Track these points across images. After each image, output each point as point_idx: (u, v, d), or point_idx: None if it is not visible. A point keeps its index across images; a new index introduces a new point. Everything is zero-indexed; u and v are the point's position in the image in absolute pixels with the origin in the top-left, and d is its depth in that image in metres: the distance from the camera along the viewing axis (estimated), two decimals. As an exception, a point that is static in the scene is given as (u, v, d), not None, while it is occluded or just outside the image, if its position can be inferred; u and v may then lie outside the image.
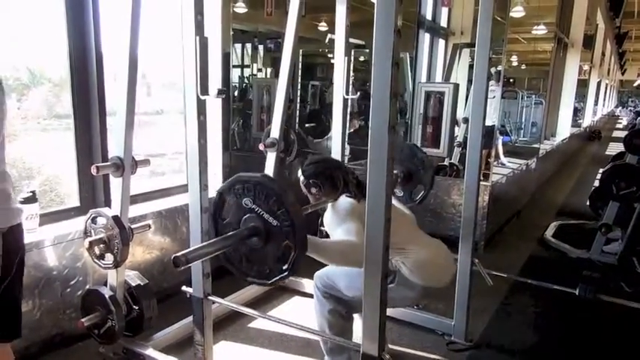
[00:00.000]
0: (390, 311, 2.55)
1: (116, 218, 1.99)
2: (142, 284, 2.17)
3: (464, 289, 2.40)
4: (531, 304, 2.97)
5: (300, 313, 2.76)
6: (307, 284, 2.93)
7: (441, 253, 2.10)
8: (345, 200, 1.98)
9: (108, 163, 2.00)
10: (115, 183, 2.05)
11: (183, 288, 1.95)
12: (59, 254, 2.22)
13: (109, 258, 2.04)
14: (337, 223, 1.88)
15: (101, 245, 2.03)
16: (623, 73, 24.10)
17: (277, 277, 1.41)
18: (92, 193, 2.59)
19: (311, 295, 2.85)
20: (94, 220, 2.06)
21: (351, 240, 1.74)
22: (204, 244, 1.47)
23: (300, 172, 2.07)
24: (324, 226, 2.05)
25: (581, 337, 2.64)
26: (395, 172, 2.52)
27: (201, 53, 1.68)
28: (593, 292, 2.89)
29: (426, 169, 2.63)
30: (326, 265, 2.03)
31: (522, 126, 8.52)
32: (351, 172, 2.09)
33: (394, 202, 2.26)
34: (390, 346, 2.34)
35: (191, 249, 1.41)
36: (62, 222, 2.42)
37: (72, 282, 2.28)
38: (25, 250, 1.49)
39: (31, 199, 2.17)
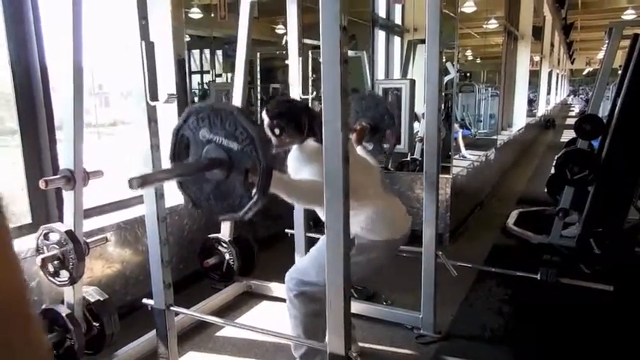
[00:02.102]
0: (358, 308, 2.58)
1: (69, 233, 1.92)
2: (101, 300, 2.09)
3: (429, 281, 2.43)
4: (496, 291, 3.03)
5: (270, 317, 2.73)
6: (275, 288, 2.90)
7: (393, 205, 2.08)
8: (311, 144, 1.91)
9: (57, 177, 1.93)
10: (67, 196, 1.97)
11: (144, 300, 1.89)
12: (11, 275, 2.11)
13: (65, 275, 1.96)
14: (303, 164, 1.82)
15: (55, 262, 1.95)
16: (572, 63, 25.10)
17: (248, 205, 1.32)
18: (45, 209, 2.49)
19: (279, 299, 2.84)
20: (46, 237, 1.97)
21: (319, 181, 1.59)
22: (162, 169, 1.41)
23: (264, 113, 1.96)
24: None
25: (544, 320, 2.71)
26: (363, 124, 2.44)
27: (148, 58, 1.63)
28: (553, 275, 2.97)
29: (391, 115, 2.54)
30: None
31: (481, 118, 8.74)
32: (318, 116, 2.02)
33: (364, 154, 2.26)
34: (360, 343, 2.34)
35: (149, 172, 1.35)
36: (13, 241, 2.31)
37: (26, 303, 2.17)
38: None
39: (-24, 218, 2.06)
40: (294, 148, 1.95)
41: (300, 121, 1.93)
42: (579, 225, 3.70)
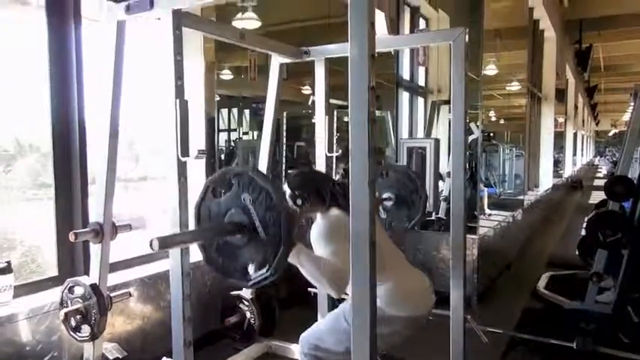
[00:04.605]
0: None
1: (94, 287, 1.92)
2: (120, 357, 2.06)
3: (458, 348, 2.31)
4: (529, 360, 2.87)
5: (290, 380, 2.62)
6: (297, 350, 2.79)
7: (415, 278, 2.03)
8: (333, 214, 1.91)
9: (87, 229, 1.96)
10: (94, 250, 1.99)
11: (164, 359, 1.85)
12: (33, 328, 2.12)
13: (86, 330, 1.94)
14: (323, 241, 1.80)
15: (78, 316, 1.94)
16: (597, 124, 25.04)
17: (258, 279, 1.36)
18: (71, 262, 2.52)
19: (300, 361, 2.74)
20: (70, 290, 1.98)
21: (337, 266, 1.67)
22: (184, 231, 1.41)
23: (285, 184, 2.00)
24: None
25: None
26: (387, 195, 2.52)
27: (182, 116, 1.70)
28: (591, 344, 2.81)
29: (419, 198, 2.60)
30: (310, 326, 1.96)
31: (506, 178, 8.67)
32: (338, 184, 2.04)
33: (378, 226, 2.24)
34: (386, 412, 2.21)
35: (169, 234, 1.35)
36: (38, 293, 2.32)
37: (46, 358, 2.15)
38: None
39: (6, 269, 2.09)
40: (316, 221, 1.95)
41: (321, 190, 1.97)
42: (615, 290, 3.53)
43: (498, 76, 7.30)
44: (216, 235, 1.40)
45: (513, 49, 7.82)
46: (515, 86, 7.76)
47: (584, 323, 3.07)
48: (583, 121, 17.99)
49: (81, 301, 1.94)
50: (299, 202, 1.94)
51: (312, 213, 2.00)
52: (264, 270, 1.32)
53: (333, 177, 2.77)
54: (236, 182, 1.40)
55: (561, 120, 11.21)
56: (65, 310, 1.93)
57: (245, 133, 5.28)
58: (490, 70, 6.90)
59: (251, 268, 1.41)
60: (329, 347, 1.89)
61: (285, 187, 2.01)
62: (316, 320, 2.74)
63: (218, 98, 4.10)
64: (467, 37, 2.18)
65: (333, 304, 2.65)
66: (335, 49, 2.61)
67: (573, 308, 3.69)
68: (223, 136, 4.89)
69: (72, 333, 1.97)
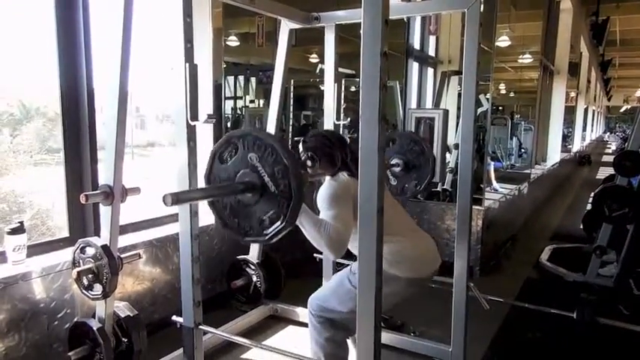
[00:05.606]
0: (384, 338, 2.53)
1: (105, 247, 1.96)
2: (131, 315, 2.11)
3: (460, 314, 2.36)
4: (529, 328, 2.92)
5: (295, 342, 2.70)
6: (301, 313, 2.88)
7: (424, 242, 2.06)
8: (340, 179, 1.93)
9: (97, 192, 1.98)
10: (105, 212, 2.02)
11: (174, 317, 1.90)
12: (47, 286, 2.18)
13: (98, 288, 1.99)
14: (327, 204, 1.82)
15: (90, 275, 1.99)
16: (609, 100, 24.61)
17: (274, 232, 1.39)
18: (82, 224, 2.56)
19: (305, 325, 2.80)
20: (82, 250, 2.02)
21: (337, 229, 1.72)
22: (197, 188, 1.45)
23: (300, 144, 2.03)
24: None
25: (581, 361, 2.60)
26: (395, 161, 2.56)
27: (191, 79, 1.69)
28: (591, 315, 2.85)
29: (426, 160, 2.63)
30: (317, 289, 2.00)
31: (513, 152, 8.62)
32: (351, 151, 2.04)
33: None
34: (387, 374, 2.28)
35: (183, 190, 1.39)
36: (51, 253, 2.38)
37: (59, 314, 2.22)
38: None
39: (19, 229, 2.14)
40: (325, 183, 1.97)
41: (333, 156, 1.99)
42: (618, 264, 3.56)
43: (511, 48, 7.16)
44: (229, 192, 1.42)
45: (527, 20, 7.63)
46: (527, 59, 7.62)
47: (586, 294, 3.10)
48: (595, 96, 17.69)
49: (92, 261, 1.98)
50: (309, 163, 1.98)
51: (322, 175, 2.02)
52: (278, 222, 1.35)
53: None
54: (241, 144, 1.41)
55: (573, 94, 11.04)
56: (78, 269, 1.98)
57: (251, 101, 5.26)
58: (503, 41, 6.76)
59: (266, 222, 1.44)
60: (334, 307, 1.94)
61: (300, 147, 2.03)
62: (321, 285, 2.79)
63: (224, 65, 4.07)
64: (482, 5, 2.13)
65: (337, 268, 2.70)
66: (346, 15, 2.57)
67: (575, 280, 3.74)
68: (229, 104, 4.87)
69: (84, 291, 2.02)
